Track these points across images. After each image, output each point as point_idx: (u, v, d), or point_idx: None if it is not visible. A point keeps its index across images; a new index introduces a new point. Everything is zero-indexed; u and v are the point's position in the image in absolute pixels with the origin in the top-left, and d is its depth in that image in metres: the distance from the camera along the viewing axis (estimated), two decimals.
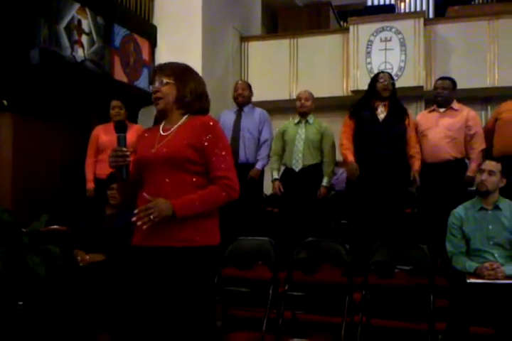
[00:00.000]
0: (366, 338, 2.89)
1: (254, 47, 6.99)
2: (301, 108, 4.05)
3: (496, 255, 2.78)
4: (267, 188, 4.57)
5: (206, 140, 1.87)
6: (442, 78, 3.93)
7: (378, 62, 6.23)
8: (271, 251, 3.27)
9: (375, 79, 3.83)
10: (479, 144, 3.67)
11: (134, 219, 1.73)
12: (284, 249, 3.38)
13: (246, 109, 4.30)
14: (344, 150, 3.79)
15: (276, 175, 4.12)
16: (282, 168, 4.16)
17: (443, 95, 3.77)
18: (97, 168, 4.11)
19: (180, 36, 5.72)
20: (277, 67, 6.80)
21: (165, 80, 1.90)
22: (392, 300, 2.90)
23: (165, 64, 1.98)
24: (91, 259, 3.13)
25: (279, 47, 6.89)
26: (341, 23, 8.67)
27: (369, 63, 6.27)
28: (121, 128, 1.91)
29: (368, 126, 3.71)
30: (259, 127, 4.23)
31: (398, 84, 6.15)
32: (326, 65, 6.61)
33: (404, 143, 3.70)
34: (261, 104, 6.72)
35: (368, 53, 6.30)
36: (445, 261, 3.02)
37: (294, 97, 6.50)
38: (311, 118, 4.06)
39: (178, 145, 1.85)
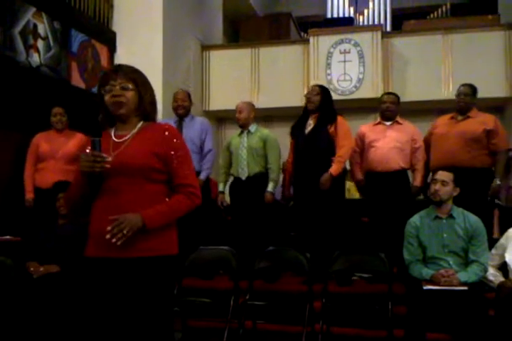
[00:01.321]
0: None
1: (216, 57, 7.00)
2: (238, 120, 4.09)
3: (451, 262, 2.86)
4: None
5: (169, 148, 1.84)
6: (389, 93, 4.12)
7: (338, 73, 6.36)
8: (232, 260, 3.25)
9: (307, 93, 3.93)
10: (422, 156, 3.84)
11: (107, 236, 1.68)
12: (245, 258, 3.37)
13: (187, 119, 4.23)
14: (284, 173, 4.04)
15: (221, 188, 4.19)
16: (232, 179, 4.19)
17: (391, 109, 3.89)
18: (36, 177, 3.97)
19: (140, 43, 5.66)
20: (239, 77, 6.84)
21: (129, 85, 1.84)
22: (352, 307, 2.93)
23: (123, 66, 1.90)
24: (45, 271, 3.03)
25: (240, 56, 6.94)
26: (301, 34, 8.81)
27: (329, 74, 6.39)
28: (95, 132, 1.80)
29: (297, 141, 3.85)
30: (202, 136, 4.19)
31: (356, 96, 6.37)
32: (287, 75, 6.69)
33: (331, 151, 3.72)
34: (222, 113, 6.74)
35: (328, 65, 6.43)
36: (402, 269, 3.09)
37: (256, 106, 6.57)
38: (252, 128, 4.08)
39: (141, 153, 1.81)
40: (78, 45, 5.12)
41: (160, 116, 4.78)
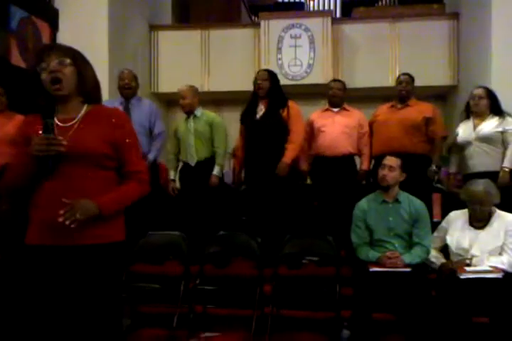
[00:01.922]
0: (277, 329, 2.96)
1: (165, 37, 6.82)
2: (183, 107, 4.03)
3: (396, 245, 2.96)
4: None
5: (119, 134, 1.79)
6: (335, 80, 4.19)
7: (288, 58, 6.36)
8: (182, 245, 3.24)
9: (255, 78, 3.90)
10: (369, 141, 3.96)
11: (60, 219, 1.61)
12: (196, 243, 3.35)
13: (133, 100, 4.11)
14: (234, 156, 4.02)
15: (172, 176, 4.13)
16: (181, 165, 4.14)
17: (338, 96, 3.98)
18: None
19: (84, 21, 5.41)
20: (188, 59, 6.70)
21: (66, 60, 1.72)
22: (301, 290, 2.98)
23: (58, 44, 1.82)
24: None
25: (190, 38, 6.78)
26: (252, 17, 8.73)
27: (280, 59, 6.37)
28: (48, 113, 1.65)
29: (248, 126, 3.83)
30: (151, 119, 4.09)
31: (307, 81, 6.40)
32: (238, 59, 6.62)
33: (283, 136, 3.73)
34: (172, 96, 6.59)
35: (279, 49, 6.41)
36: (350, 252, 3.17)
37: (206, 90, 6.49)
38: (198, 112, 4.03)
39: (92, 140, 1.74)
40: (17, 22, 4.83)
41: (106, 98, 4.65)
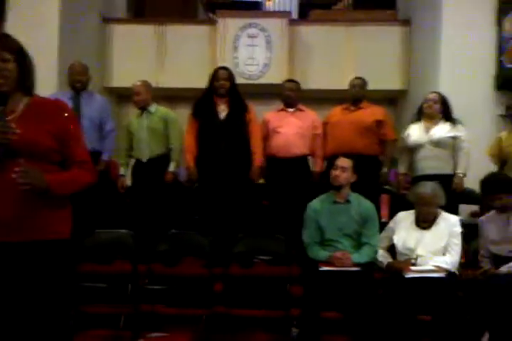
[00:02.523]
0: (226, 328, 2.94)
1: (119, 31, 6.66)
2: (136, 103, 3.97)
3: (346, 244, 3.01)
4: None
5: (63, 125, 1.74)
6: (290, 80, 4.19)
7: (245, 57, 6.35)
8: (130, 243, 3.17)
9: (213, 77, 3.86)
10: (322, 143, 4.00)
11: (14, 175, 1.55)
12: (146, 241, 3.29)
13: (85, 95, 3.99)
14: (186, 152, 3.84)
15: (122, 171, 4.05)
16: (133, 161, 4.06)
17: (292, 97, 3.99)
18: None
19: (34, 11, 5.19)
20: (143, 54, 6.57)
21: (8, 56, 1.67)
22: (251, 289, 2.99)
23: (3, 38, 1.73)
24: None
25: (145, 32, 6.65)
26: (209, 14, 8.66)
27: (236, 57, 6.35)
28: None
29: (210, 125, 3.77)
30: (103, 115, 3.99)
31: (263, 81, 6.41)
32: (193, 56, 6.55)
33: (247, 138, 3.79)
34: (125, 90, 6.44)
35: (235, 48, 6.39)
36: (301, 251, 3.19)
37: (160, 86, 6.38)
38: (152, 108, 3.98)
39: (35, 133, 1.67)
40: None
41: (55, 90, 4.48)
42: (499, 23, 5.45)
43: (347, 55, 6.48)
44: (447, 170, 3.66)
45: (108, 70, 6.64)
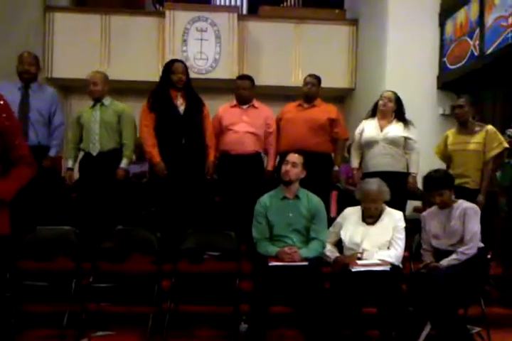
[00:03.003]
0: (175, 325, 2.90)
1: (61, 19, 6.42)
2: (93, 94, 3.84)
3: (295, 240, 3.03)
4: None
5: (3, 119, 1.69)
6: (242, 78, 4.08)
7: (194, 50, 6.29)
8: (74, 240, 3.07)
9: (169, 69, 3.75)
10: (275, 141, 3.98)
11: None
12: (92, 238, 3.18)
13: (34, 86, 3.83)
14: (149, 147, 3.67)
15: (70, 165, 3.90)
16: (81, 154, 3.92)
17: (245, 95, 3.95)
18: None
19: None
20: (87, 44, 6.37)
21: None
22: (201, 285, 2.96)
23: None
24: None
25: (88, 22, 6.46)
26: (157, 6, 8.49)
27: (185, 51, 6.28)
28: None
29: (170, 120, 3.69)
30: (52, 108, 3.85)
31: (212, 76, 6.36)
32: (141, 48, 6.43)
33: (203, 132, 3.77)
34: (68, 82, 6.21)
35: (184, 41, 6.31)
36: (251, 247, 3.20)
37: None
38: (106, 101, 3.87)
39: None
40: None
41: None
42: (442, 25, 5.67)
43: (296, 52, 6.55)
44: (399, 168, 3.78)
45: (49, 60, 6.38)
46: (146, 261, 3.43)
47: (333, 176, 3.98)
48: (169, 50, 6.28)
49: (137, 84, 6.10)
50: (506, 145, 3.61)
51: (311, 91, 3.99)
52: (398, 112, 3.88)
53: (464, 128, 3.71)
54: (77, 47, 6.35)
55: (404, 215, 3.54)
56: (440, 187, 3.02)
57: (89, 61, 6.27)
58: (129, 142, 3.82)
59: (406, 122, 3.85)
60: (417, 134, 3.86)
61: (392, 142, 3.78)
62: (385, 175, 3.58)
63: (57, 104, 3.89)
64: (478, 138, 3.63)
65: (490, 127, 3.66)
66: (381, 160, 3.78)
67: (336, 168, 3.98)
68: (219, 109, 4.05)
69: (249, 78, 4.04)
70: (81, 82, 5.73)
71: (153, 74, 6.29)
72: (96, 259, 3.08)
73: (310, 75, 4.09)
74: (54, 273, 3.06)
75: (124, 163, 3.79)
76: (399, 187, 3.68)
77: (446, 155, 3.81)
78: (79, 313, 2.84)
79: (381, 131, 3.82)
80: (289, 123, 3.95)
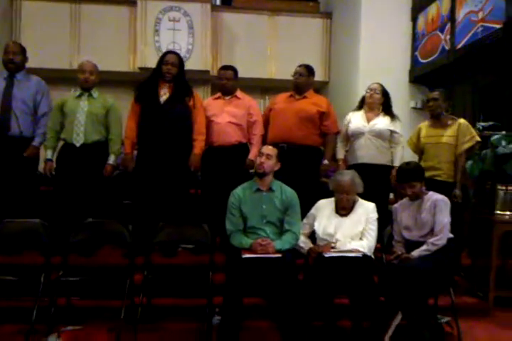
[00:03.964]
0: (147, 319, 2.88)
1: (29, 7, 6.24)
2: (86, 83, 3.76)
3: (268, 232, 3.03)
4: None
5: None
6: (225, 68, 4.02)
7: (167, 41, 6.20)
8: (43, 233, 3.01)
9: (161, 60, 3.74)
10: (259, 130, 3.92)
11: None
12: (63, 231, 3.12)
13: (19, 76, 3.79)
14: (125, 138, 3.71)
15: (49, 155, 3.78)
16: (60, 144, 3.82)
17: (227, 86, 3.90)
18: None
19: None
20: (57, 33, 6.22)
21: None
22: (174, 278, 2.93)
23: None
24: None
25: (58, 10, 6.29)
26: None
27: (157, 41, 6.18)
28: None
29: (149, 108, 3.65)
30: (37, 98, 3.80)
31: (186, 67, 6.28)
32: (112, 38, 6.30)
33: (188, 124, 3.71)
34: (36, 72, 6.04)
35: (157, 31, 6.22)
36: (224, 239, 3.18)
37: (76, 67, 6.05)
38: (95, 93, 3.79)
39: None
40: None
41: None
42: (414, 20, 5.73)
43: (270, 44, 6.53)
44: (383, 160, 3.80)
45: None
46: (117, 254, 3.39)
47: (322, 169, 3.87)
48: (141, 40, 6.18)
49: (108, 74, 5.96)
50: (478, 138, 3.67)
51: (298, 81, 3.89)
52: (385, 105, 3.88)
53: (437, 121, 3.76)
54: (46, 37, 6.19)
55: (387, 208, 3.59)
56: (411, 179, 3.06)
57: (59, 51, 6.13)
58: (116, 138, 3.77)
59: (393, 116, 3.87)
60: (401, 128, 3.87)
61: (378, 134, 3.79)
62: (369, 168, 3.61)
63: (43, 93, 3.83)
64: (450, 131, 3.68)
65: (462, 120, 3.72)
66: (366, 152, 3.79)
67: (326, 161, 3.87)
68: (205, 101, 4.00)
69: (232, 68, 3.99)
70: (50, 73, 5.61)
71: (124, 64, 6.20)
72: (66, 253, 3.01)
73: (300, 65, 3.99)
74: (22, 267, 3.00)
75: (111, 160, 3.73)
76: (382, 180, 3.73)
77: (418, 148, 3.86)
78: (48, 308, 2.79)
79: (368, 123, 3.83)
80: (278, 114, 3.88)
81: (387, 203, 3.85)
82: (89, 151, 3.67)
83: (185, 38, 6.23)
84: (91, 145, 3.68)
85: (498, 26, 4.20)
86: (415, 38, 5.67)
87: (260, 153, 3.13)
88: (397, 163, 3.76)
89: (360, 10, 5.63)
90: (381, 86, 3.90)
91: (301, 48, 6.46)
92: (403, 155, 3.84)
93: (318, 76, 6.59)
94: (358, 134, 3.83)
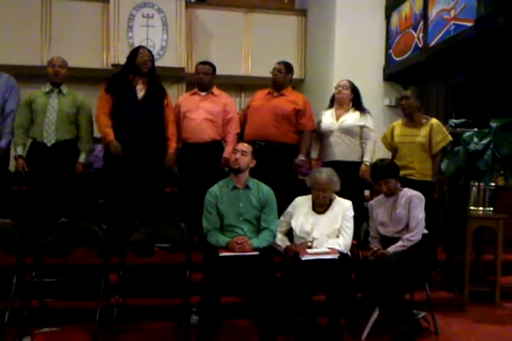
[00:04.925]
0: (123, 319, 2.83)
1: None
2: (55, 77, 3.67)
3: (245, 229, 3.02)
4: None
5: None
6: (203, 63, 3.99)
7: (140, 37, 6.12)
8: (14, 234, 2.94)
9: (134, 54, 3.70)
10: (234, 128, 3.89)
11: None
12: (35, 231, 3.04)
13: None
14: (103, 127, 3.59)
15: (20, 152, 3.68)
16: (29, 142, 3.73)
17: (204, 80, 3.87)
18: None
19: None
20: (26, 29, 6.06)
21: None
22: (150, 278, 2.90)
23: None
24: None
25: (27, 4, 6.14)
26: None
27: (131, 38, 6.10)
28: None
29: (126, 103, 3.59)
30: (5, 95, 3.72)
31: (159, 64, 6.16)
32: (84, 33, 6.19)
33: (163, 123, 3.70)
34: (5, 68, 5.88)
35: (130, 27, 6.13)
36: (202, 237, 3.15)
37: (46, 64, 5.92)
38: (65, 89, 3.72)
39: None
40: None
41: None
42: (388, 17, 5.78)
43: (245, 41, 6.50)
44: (354, 157, 3.81)
45: None
46: (91, 254, 3.33)
47: (294, 165, 3.80)
48: (114, 37, 6.08)
49: (80, 71, 5.86)
50: (451, 138, 3.71)
51: (275, 78, 3.87)
52: (355, 101, 3.89)
53: (410, 120, 3.78)
54: (16, 33, 6.05)
55: (362, 205, 3.59)
56: (386, 176, 3.09)
57: (29, 47, 5.99)
58: (87, 135, 3.71)
59: (363, 110, 3.87)
60: (373, 122, 3.87)
61: (347, 131, 3.80)
62: (342, 165, 3.61)
63: (11, 91, 3.75)
64: (423, 131, 3.71)
65: (435, 120, 3.75)
66: (336, 149, 3.80)
67: (301, 157, 3.80)
68: (180, 98, 3.96)
69: (210, 64, 3.97)
70: (20, 69, 5.47)
71: (97, 61, 6.09)
72: (39, 253, 2.95)
73: (278, 62, 3.96)
74: None
75: (82, 158, 3.68)
76: (355, 177, 3.74)
77: (392, 146, 3.89)
78: (21, 310, 2.72)
79: (337, 120, 3.84)
80: (255, 111, 3.86)
81: (363, 200, 3.88)
82: (61, 150, 3.61)
83: (160, 34, 6.16)
84: (62, 144, 3.62)
85: (469, 24, 4.27)
86: (389, 35, 5.73)
87: (235, 150, 3.11)
88: (366, 158, 3.78)
89: (334, 7, 5.65)
90: (350, 82, 3.91)
91: (276, 46, 6.46)
92: (374, 150, 3.85)
93: (294, 73, 6.62)
94: (328, 132, 3.84)
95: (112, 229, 3.13)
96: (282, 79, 3.89)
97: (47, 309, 2.99)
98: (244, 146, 3.13)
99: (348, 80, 3.94)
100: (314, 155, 3.99)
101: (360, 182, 3.81)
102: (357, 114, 3.85)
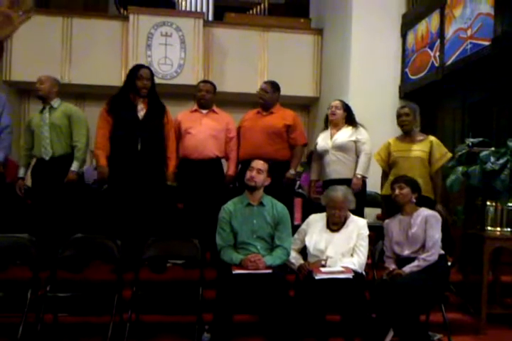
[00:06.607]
0: (135, 335, 2.82)
1: None
2: (38, 92, 3.76)
3: (259, 247, 3.01)
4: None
5: None
6: (205, 81, 4.08)
7: (158, 56, 6.23)
8: (30, 248, 2.96)
9: (134, 75, 3.69)
10: (236, 146, 3.95)
11: None
12: (50, 246, 3.07)
13: None
14: (97, 149, 3.64)
15: (21, 174, 3.79)
16: (34, 161, 3.81)
17: (206, 98, 3.92)
18: None
19: None
20: (48, 47, 6.22)
21: None
22: (164, 294, 2.89)
23: None
24: None
25: (50, 24, 6.31)
26: (121, 10, 8.39)
27: (149, 56, 6.21)
28: None
29: (127, 123, 3.62)
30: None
31: (177, 81, 6.31)
32: (104, 52, 6.32)
33: (163, 140, 3.72)
34: (27, 85, 6.03)
35: (148, 46, 6.24)
36: (215, 254, 3.15)
37: (67, 81, 6.05)
38: (55, 103, 3.76)
39: None
40: None
41: None
42: (404, 36, 5.81)
43: (261, 60, 6.57)
44: (350, 175, 3.76)
45: (8, 63, 6.19)
46: (106, 270, 3.34)
47: (286, 179, 3.83)
48: (133, 55, 6.20)
49: (99, 88, 5.97)
50: (450, 154, 3.68)
51: (263, 98, 3.92)
52: (348, 118, 3.87)
53: (407, 136, 3.71)
54: (38, 50, 6.20)
55: None
56: (402, 181, 3.09)
57: (50, 64, 6.12)
58: (80, 144, 3.71)
59: (355, 125, 3.84)
60: (369, 136, 3.81)
61: (341, 148, 3.76)
62: (338, 183, 3.58)
63: (3, 106, 3.76)
64: (422, 145, 3.64)
65: (433, 138, 3.70)
66: (332, 168, 3.78)
67: (292, 171, 3.85)
68: (177, 116, 3.98)
69: (211, 83, 4.04)
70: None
71: (115, 79, 6.20)
72: (54, 268, 2.97)
73: (265, 82, 4.07)
74: (9, 283, 2.95)
75: (74, 166, 3.67)
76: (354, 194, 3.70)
77: (387, 163, 3.77)
78: (34, 324, 2.73)
79: (331, 139, 3.83)
80: (248, 131, 3.91)
81: (362, 216, 3.82)
82: (59, 164, 3.65)
83: (177, 52, 6.26)
84: (60, 158, 3.66)
85: (486, 43, 4.27)
86: (405, 54, 5.75)
87: (251, 167, 3.11)
88: (359, 171, 3.73)
89: (350, 26, 5.70)
90: (341, 102, 3.92)
91: (292, 64, 6.52)
92: (368, 163, 3.78)
93: (309, 92, 6.68)
94: (323, 152, 3.84)
95: (127, 245, 3.15)
96: (269, 98, 3.94)
97: (60, 324, 2.99)
98: (259, 164, 3.12)
99: (340, 100, 3.95)
100: (314, 176, 4.01)
101: (359, 199, 3.77)
102: (349, 129, 3.82)
